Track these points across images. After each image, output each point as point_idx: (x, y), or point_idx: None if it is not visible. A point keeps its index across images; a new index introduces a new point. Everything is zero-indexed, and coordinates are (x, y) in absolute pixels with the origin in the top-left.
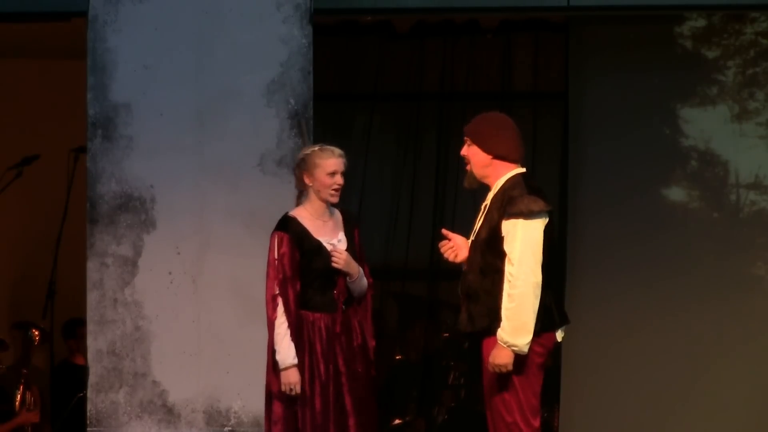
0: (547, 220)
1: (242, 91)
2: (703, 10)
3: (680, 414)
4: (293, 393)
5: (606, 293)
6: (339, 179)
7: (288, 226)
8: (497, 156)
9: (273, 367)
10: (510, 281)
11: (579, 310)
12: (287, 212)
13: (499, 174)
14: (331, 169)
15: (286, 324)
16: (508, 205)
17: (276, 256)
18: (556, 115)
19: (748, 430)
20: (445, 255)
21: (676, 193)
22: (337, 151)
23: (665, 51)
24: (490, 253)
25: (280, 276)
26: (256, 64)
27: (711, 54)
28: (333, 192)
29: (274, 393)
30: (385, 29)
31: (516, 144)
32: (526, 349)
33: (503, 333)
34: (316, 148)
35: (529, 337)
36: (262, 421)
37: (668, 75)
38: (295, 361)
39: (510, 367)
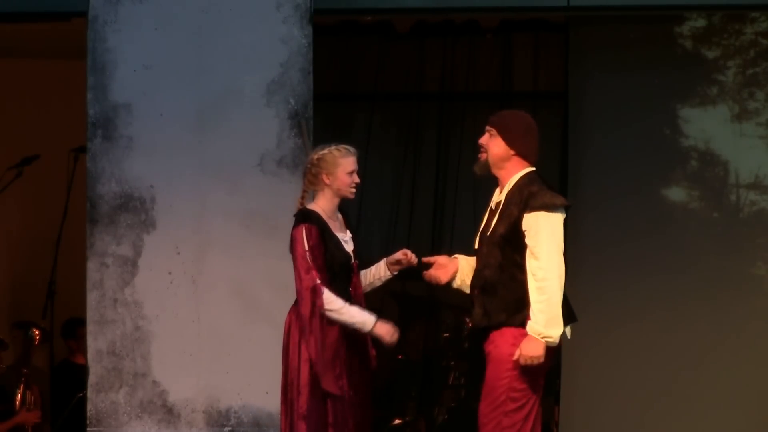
0: (564, 216)
1: (242, 91)
2: (703, 10)
3: (680, 413)
4: (394, 339)
5: (605, 293)
6: (356, 177)
7: (312, 218)
8: (518, 153)
9: (316, 361)
10: (536, 275)
11: (578, 309)
12: (305, 207)
13: (513, 170)
14: (351, 167)
15: (339, 299)
16: (530, 199)
17: (307, 248)
18: (556, 114)
19: (747, 429)
20: (432, 282)
21: (676, 193)
22: (352, 149)
23: (665, 51)
24: (510, 248)
25: (315, 265)
26: (256, 64)
27: (711, 54)
28: (353, 189)
29: (309, 388)
30: (385, 29)
31: (537, 146)
32: (557, 341)
33: (537, 326)
34: (333, 148)
35: (561, 328)
36: (262, 421)
37: (668, 75)
38: (375, 315)
39: (542, 359)
